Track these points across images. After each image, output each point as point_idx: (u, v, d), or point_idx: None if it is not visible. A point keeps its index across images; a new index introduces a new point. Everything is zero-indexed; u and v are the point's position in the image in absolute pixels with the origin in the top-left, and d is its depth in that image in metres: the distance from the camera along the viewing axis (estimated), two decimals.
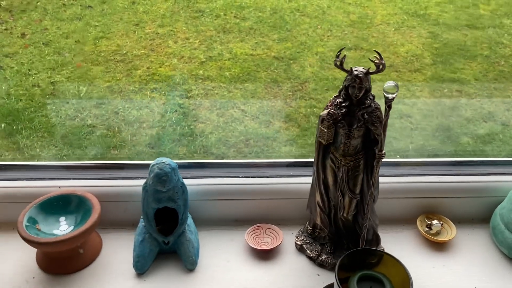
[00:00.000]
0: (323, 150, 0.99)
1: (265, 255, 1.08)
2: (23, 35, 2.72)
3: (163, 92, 2.45)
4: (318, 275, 1.04)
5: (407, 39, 2.77)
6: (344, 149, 0.95)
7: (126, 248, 1.07)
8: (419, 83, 2.50)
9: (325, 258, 1.05)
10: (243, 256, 1.08)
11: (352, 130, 0.93)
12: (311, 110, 2.34)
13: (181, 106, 2.38)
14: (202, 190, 1.12)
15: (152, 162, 0.99)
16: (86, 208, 1.03)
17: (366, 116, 0.92)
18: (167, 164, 0.97)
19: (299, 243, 1.09)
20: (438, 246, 1.11)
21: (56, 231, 1.02)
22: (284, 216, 1.15)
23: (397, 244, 1.10)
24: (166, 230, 1.04)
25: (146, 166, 1.15)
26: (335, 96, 0.95)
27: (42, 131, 2.18)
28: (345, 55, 0.91)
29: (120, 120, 2.28)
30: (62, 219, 1.04)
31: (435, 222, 1.12)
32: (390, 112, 0.90)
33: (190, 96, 2.42)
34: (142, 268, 1.02)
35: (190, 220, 1.08)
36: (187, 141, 2.19)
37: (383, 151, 0.93)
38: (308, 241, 1.09)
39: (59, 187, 1.09)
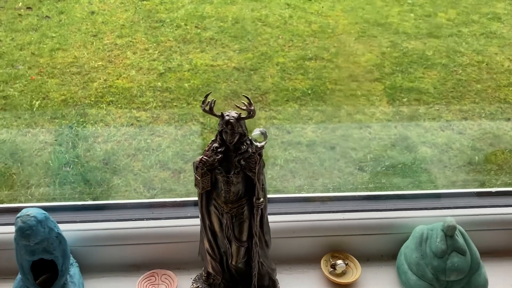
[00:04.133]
0: (206, 196, 0.93)
1: None
2: None
3: (120, 105, 2.40)
4: None
5: (368, 49, 2.77)
6: (225, 196, 0.90)
7: None
8: (379, 93, 2.50)
9: None
10: None
11: (230, 176, 0.88)
12: (270, 122, 2.32)
13: (138, 119, 2.34)
14: (91, 236, 1.05)
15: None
16: None
17: (242, 162, 0.87)
18: (32, 217, 0.88)
19: None
20: (343, 287, 1.06)
21: None
22: (182, 260, 1.08)
23: (300, 287, 1.05)
24: (49, 281, 0.95)
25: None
26: (212, 141, 0.89)
27: None
28: (214, 100, 0.86)
29: (73, 135, 2.23)
30: None
31: (339, 262, 1.07)
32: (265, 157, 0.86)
33: (147, 109, 2.38)
34: None
35: (74, 270, 1.00)
36: (143, 155, 2.15)
37: (261, 199, 0.88)
38: None
39: None
